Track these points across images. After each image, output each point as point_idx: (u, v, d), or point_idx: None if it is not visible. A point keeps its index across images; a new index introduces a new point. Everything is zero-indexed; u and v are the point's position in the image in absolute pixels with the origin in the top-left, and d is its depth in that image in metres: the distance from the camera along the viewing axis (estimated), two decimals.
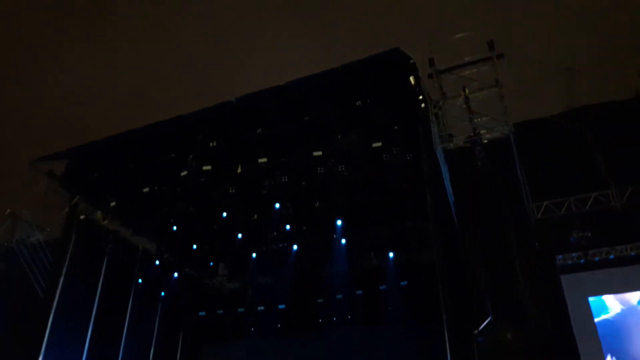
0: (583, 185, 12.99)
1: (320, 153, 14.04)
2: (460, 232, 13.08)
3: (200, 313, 20.88)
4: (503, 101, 12.71)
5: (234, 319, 20.07)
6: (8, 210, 16.60)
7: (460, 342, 12.95)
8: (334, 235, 17.33)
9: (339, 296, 18.36)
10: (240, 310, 20.20)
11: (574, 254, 12.90)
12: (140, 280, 18.77)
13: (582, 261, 12.80)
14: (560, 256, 12.87)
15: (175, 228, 17.61)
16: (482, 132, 13.42)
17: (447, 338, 13.54)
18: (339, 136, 13.72)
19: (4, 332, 15.36)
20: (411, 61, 12.44)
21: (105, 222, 17.05)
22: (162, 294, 19.89)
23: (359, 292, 18.19)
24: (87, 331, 16.19)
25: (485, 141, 13.49)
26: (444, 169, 13.29)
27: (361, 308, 17.81)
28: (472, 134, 13.37)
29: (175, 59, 28.26)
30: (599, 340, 11.68)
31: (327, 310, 18.54)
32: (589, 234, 12.81)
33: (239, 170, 14.73)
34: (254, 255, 18.93)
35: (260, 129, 14.09)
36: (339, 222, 16.91)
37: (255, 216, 17.00)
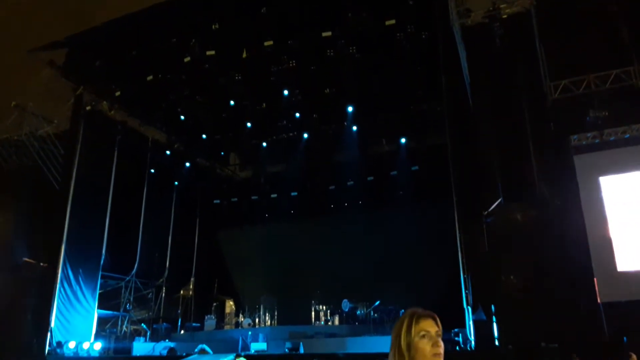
0: (604, 63, 12.44)
1: (329, 34, 13.28)
2: (474, 113, 12.78)
3: (215, 201, 21.42)
4: None
5: (247, 207, 20.61)
6: (13, 103, 16.40)
7: (470, 223, 13.25)
8: (345, 122, 17.07)
9: (350, 183, 18.49)
10: (254, 197, 20.65)
11: (589, 134, 12.65)
12: (152, 171, 19.05)
13: (596, 141, 12.58)
14: (575, 136, 12.65)
15: (183, 117, 17.43)
16: (501, 6, 12.66)
17: (456, 219, 13.90)
18: (350, 14, 12.89)
19: (24, 225, 15.90)
20: None
21: (112, 112, 16.87)
22: (176, 183, 20.31)
23: (370, 178, 18.29)
24: (105, 220, 16.78)
25: (505, 16, 12.78)
26: (461, 47, 12.68)
27: (372, 193, 17.99)
28: (491, 9, 12.64)
29: None
30: (606, 218, 11.81)
31: (339, 197, 18.79)
32: (606, 113, 12.47)
33: (245, 55, 14.13)
34: (264, 144, 18.91)
35: (264, 9, 13.24)
36: (349, 109, 16.56)
37: (264, 104, 16.66)
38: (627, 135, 12.45)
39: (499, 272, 11.43)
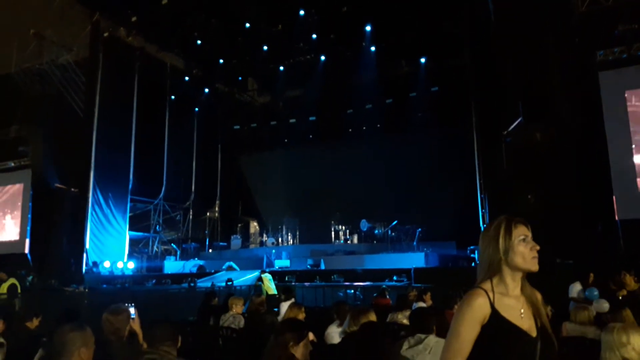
0: None
1: None
2: (496, 30, 12.34)
3: (235, 127, 21.64)
4: None
5: (267, 132, 20.79)
6: (32, 31, 16.40)
7: (488, 143, 13.26)
8: (363, 43, 16.61)
9: (368, 106, 18.31)
10: (273, 123, 20.78)
11: (616, 49, 12.17)
12: (173, 97, 19.19)
13: (624, 56, 12.11)
14: (601, 52, 12.18)
15: (199, 42, 17.23)
16: None
17: (475, 140, 13.88)
18: None
19: (53, 153, 16.39)
20: None
21: (130, 38, 16.79)
22: (196, 110, 20.48)
23: (389, 100, 18.08)
24: (130, 146, 17.22)
25: None
26: None
27: (391, 116, 17.83)
28: None
29: None
30: (630, 136, 11.63)
31: (357, 120, 18.72)
32: (636, 26, 11.91)
33: None
34: (281, 68, 18.67)
35: None
36: (367, 28, 16.07)
37: (280, 26, 16.29)
38: None
39: (516, 191, 11.52)
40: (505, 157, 12.50)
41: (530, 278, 1.97)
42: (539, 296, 1.96)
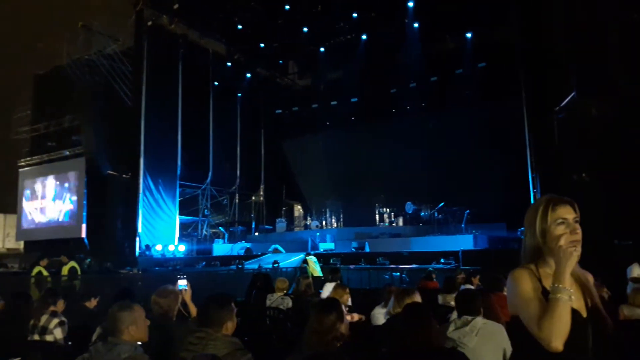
0: None
1: None
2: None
3: (277, 111, 21.71)
4: None
5: (309, 115, 20.69)
6: (80, 23, 16.93)
7: (539, 120, 12.69)
8: (406, 20, 16.17)
9: (412, 84, 17.86)
10: (314, 105, 20.65)
11: None
12: (216, 83, 19.43)
13: None
14: None
15: (240, 26, 17.28)
16: None
17: (525, 117, 13.33)
18: None
19: (103, 141, 16.97)
20: None
21: (173, 26, 17.05)
22: (239, 95, 20.67)
23: (434, 78, 17.50)
24: (177, 133, 17.60)
25: None
26: None
27: (436, 94, 17.25)
28: None
29: None
30: None
31: (401, 99, 18.24)
32: None
33: None
34: (322, 49, 18.48)
35: None
36: (410, 4, 15.61)
37: (319, 6, 16.08)
38: None
39: (570, 169, 11.03)
40: (558, 134, 11.95)
41: (586, 260, 1.83)
42: (589, 277, 1.86)
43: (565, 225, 1.77)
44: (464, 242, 12.46)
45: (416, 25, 16.14)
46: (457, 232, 13.65)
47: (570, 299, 1.67)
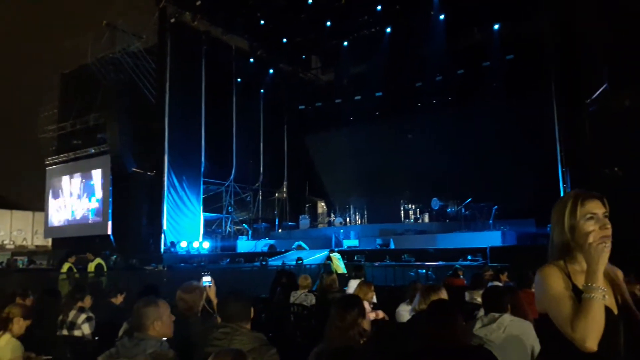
0: None
1: None
2: None
3: (300, 107, 21.60)
4: None
5: (332, 110, 20.42)
6: (104, 22, 17.13)
7: (570, 113, 12.33)
8: (431, 12, 15.85)
9: (438, 77, 17.43)
10: (338, 101, 20.43)
11: None
12: (239, 80, 19.45)
13: None
14: None
15: (263, 22, 17.24)
16: None
17: (555, 109, 12.97)
18: None
19: (128, 138, 17.15)
20: None
21: (195, 23, 17.12)
22: (262, 91, 20.65)
23: (460, 71, 17.05)
24: (201, 130, 17.69)
25: None
26: None
27: (462, 87, 16.78)
28: None
29: None
30: None
31: (426, 93, 17.82)
32: None
33: None
34: (345, 43, 18.27)
35: None
36: None
37: (343, 0, 15.93)
38: None
39: (601, 164, 10.69)
40: (589, 127, 11.58)
41: (618, 256, 1.77)
42: (619, 273, 1.82)
43: (594, 220, 1.73)
44: (491, 238, 12.18)
45: (442, 17, 15.82)
46: (485, 229, 13.36)
47: (604, 298, 1.64)
